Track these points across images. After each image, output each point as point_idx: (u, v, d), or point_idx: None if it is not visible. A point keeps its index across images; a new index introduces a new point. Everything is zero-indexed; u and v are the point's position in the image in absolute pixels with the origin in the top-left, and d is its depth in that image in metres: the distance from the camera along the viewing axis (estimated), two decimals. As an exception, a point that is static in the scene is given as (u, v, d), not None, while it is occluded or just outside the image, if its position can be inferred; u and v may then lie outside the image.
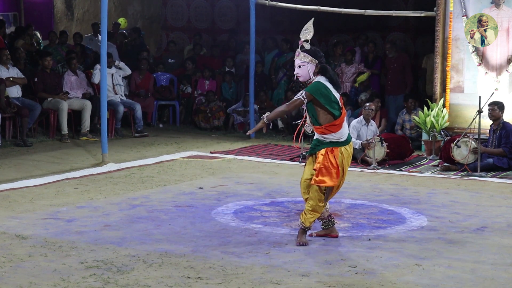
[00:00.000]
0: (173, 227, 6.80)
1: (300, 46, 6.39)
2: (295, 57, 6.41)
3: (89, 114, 12.68)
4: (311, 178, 6.33)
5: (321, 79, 6.33)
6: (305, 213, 6.36)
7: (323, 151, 6.31)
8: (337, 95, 6.34)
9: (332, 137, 6.32)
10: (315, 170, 6.32)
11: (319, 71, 6.36)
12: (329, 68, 6.43)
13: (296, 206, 7.78)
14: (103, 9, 10.01)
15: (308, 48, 6.36)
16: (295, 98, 6.32)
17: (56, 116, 12.43)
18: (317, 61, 6.33)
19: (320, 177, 6.26)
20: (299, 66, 6.36)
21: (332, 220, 6.57)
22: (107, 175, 9.40)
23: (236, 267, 5.58)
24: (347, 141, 6.40)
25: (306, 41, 6.40)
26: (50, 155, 10.86)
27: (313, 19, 6.53)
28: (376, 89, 13.53)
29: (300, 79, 6.41)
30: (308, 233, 6.46)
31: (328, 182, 6.26)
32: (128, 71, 13.73)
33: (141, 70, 14.39)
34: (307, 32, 6.43)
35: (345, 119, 6.45)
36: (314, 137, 6.50)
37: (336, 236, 6.55)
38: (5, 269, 5.44)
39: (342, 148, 6.35)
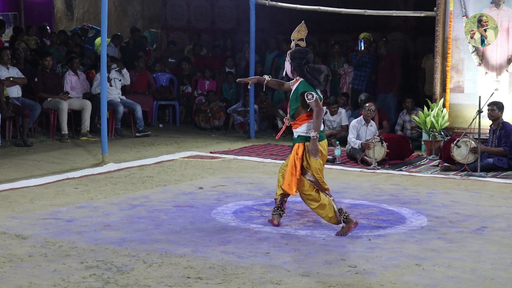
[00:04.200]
0: (173, 227, 6.80)
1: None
2: None
3: (89, 114, 12.68)
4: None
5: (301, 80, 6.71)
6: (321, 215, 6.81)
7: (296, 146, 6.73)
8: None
9: (300, 130, 6.68)
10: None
11: (295, 70, 6.73)
12: (304, 68, 6.65)
13: (295, 206, 7.78)
14: (103, 9, 10.01)
15: (291, 48, 6.84)
16: (315, 108, 6.52)
17: (56, 116, 12.42)
18: (292, 62, 6.73)
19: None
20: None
21: (283, 209, 6.95)
22: (107, 175, 9.40)
23: (236, 267, 5.58)
24: (321, 137, 6.68)
25: (301, 39, 6.93)
26: (50, 155, 10.86)
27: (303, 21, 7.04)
28: (373, 88, 13.50)
29: (289, 75, 6.84)
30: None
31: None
32: (127, 81, 13.65)
33: (136, 68, 14.36)
34: (297, 32, 6.97)
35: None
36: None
37: (277, 224, 6.85)
38: (5, 269, 5.44)
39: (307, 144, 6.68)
